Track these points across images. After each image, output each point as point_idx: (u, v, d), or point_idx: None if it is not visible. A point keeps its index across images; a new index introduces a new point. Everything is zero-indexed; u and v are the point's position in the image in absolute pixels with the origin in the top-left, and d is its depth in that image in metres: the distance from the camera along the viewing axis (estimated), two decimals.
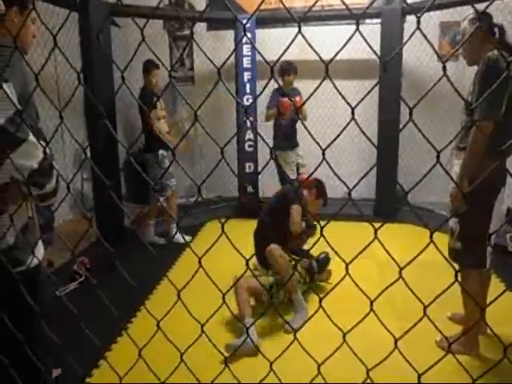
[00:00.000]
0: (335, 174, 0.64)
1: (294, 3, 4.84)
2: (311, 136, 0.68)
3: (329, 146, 0.60)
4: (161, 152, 3.89)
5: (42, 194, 1.06)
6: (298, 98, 4.12)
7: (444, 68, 0.56)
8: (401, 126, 4.31)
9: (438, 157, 0.54)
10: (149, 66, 3.84)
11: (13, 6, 1.21)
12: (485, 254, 2.13)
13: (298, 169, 4.36)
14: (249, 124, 4.63)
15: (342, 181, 0.67)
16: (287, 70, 4.07)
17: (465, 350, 2.24)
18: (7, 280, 0.98)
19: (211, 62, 0.68)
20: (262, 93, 0.80)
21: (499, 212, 2.13)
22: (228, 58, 0.84)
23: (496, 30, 2.04)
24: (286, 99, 4.11)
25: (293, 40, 0.65)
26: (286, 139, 4.27)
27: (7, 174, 1.04)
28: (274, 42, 4.64)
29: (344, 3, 0.65)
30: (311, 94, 0.67)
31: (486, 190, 1.95)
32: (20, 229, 1.14)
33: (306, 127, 0.69)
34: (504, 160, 2.08)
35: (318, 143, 0.63)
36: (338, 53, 0.63)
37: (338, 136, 0.66)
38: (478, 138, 1.95)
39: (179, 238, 3.88)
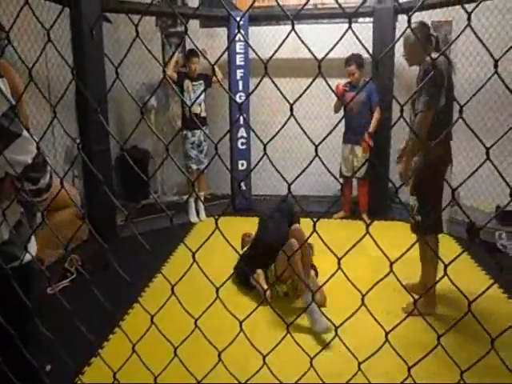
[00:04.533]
0: (328, 170, 0.65)
1: (288, 1, 4.84)
2: (303, 131, 0.69)
3: (321, 141, 0.61)
4: (184, 132, 4.43)
5: (36, 189, 1.06)
6: (350, 94, 4.12)
7: (433, 65, 0.57)
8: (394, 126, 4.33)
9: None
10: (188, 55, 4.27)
11: None
12: (441, 220, 2.58)
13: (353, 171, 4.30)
14: (242, 121, 4.62)
15: (336, 177, 0.68)
16: (347, 60, 4.15)
17: (424, 309, 2.53)
18: (2, 276, 0.98)
19: (205, 58, 0.69)
20: (254, 90, 0.81)
21: (447, 188, 2.46)
22: (222, 55, 0.84)
23: (433, 39, 2.46)
24: (341, 84, 4.18)
25: (286, 37, 0.66)
26: (347, 131, 4.29)
27: (1, 170, 1.03)
28: (267, 40, 4.65)
29: (337, 1, 0.66)
30: (304, 91, 0.68)
31: (435, 165, 2.44)
32: (13, 224, 1.13)
33: (298, 123, 0.70)
34: (448, 142, 2.53)
35: (310, 139, 0.64)
36: (331, 50, 0.64)
37: (330, 133, 0.66)
38: (421, 122, 2.38)
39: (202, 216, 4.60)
